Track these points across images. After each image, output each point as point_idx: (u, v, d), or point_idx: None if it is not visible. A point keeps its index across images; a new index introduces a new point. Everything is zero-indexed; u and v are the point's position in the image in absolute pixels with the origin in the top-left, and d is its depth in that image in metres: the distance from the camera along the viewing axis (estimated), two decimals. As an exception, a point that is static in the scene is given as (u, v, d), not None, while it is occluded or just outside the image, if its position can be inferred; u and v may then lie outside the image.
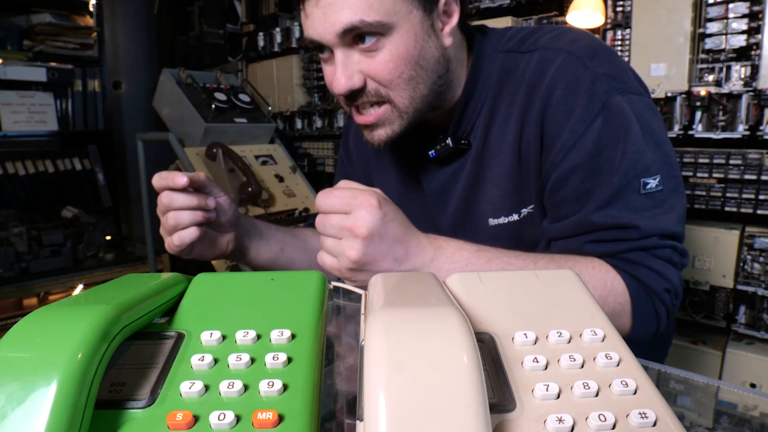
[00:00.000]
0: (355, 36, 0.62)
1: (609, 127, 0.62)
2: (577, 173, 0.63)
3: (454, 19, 0.68)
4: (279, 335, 0.31)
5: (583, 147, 0.63)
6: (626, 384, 0.26)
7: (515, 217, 0.72)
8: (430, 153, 0.76)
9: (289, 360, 0.29)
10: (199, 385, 0.27)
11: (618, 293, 0.61)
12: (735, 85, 1.28)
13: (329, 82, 0.68)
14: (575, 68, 0.64)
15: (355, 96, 0.67)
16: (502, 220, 0.73)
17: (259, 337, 0.31)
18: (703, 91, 1.31)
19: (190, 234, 0.66)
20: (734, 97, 1.29)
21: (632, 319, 0.62)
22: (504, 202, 0.72)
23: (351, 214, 0.54)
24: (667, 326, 0.65)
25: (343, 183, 0.59)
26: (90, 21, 2.56)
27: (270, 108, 2.36)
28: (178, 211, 0.66)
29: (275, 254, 0.82)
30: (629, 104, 0.62)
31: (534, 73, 0.68)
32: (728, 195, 1.32)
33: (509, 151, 0.70)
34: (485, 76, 0.72)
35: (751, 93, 1.25)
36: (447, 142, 0.73)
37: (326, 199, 0.56)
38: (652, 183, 0.61)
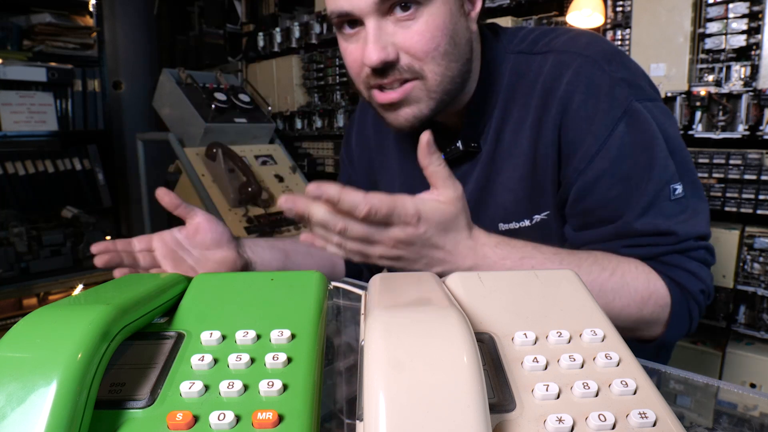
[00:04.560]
0: (393, 4, 0.60)
1: (631, 133, 0.61)
2: (604, 180, 0.62)
3: (478, 7, 0.68)
4: (279, 335, 0.31)
5: (607, 153, 0.62)
6: (626, 384, 0.26)
7: (527, 223, 0.71)
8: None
9: (289, 360, 0.29)
10: (199, 385, 0.27)
11: (660, 296, 0.60)
12: (735, 85, 1.28)
13: (353, 61, 0.64)
14: (593, 72, 0.63)
15: (385, 71, 0.62)
16: (513, 225, 0.72)
17: (259, 337, 0.31)
18: (703, 91, 1.30)
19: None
20: (734, 97, 1.29)
21: (669, 321, 0.61)
22: (516, 207, 0.71)
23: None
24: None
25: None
26: (90, 21, 2.56)
27: (270, 108, 2.36)
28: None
29: (281, 261, 0.81)
30: (648, 111, 0.62)
31: (549, 76, 0.66)
32: (728, 195, 1.32)
33: (523, 155, 0.68)
34: (497, 77, 0.70)
35: (751, 93, 1.25)
36: (457, 145, 0.72)
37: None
38: (679, 189, 0.61)
